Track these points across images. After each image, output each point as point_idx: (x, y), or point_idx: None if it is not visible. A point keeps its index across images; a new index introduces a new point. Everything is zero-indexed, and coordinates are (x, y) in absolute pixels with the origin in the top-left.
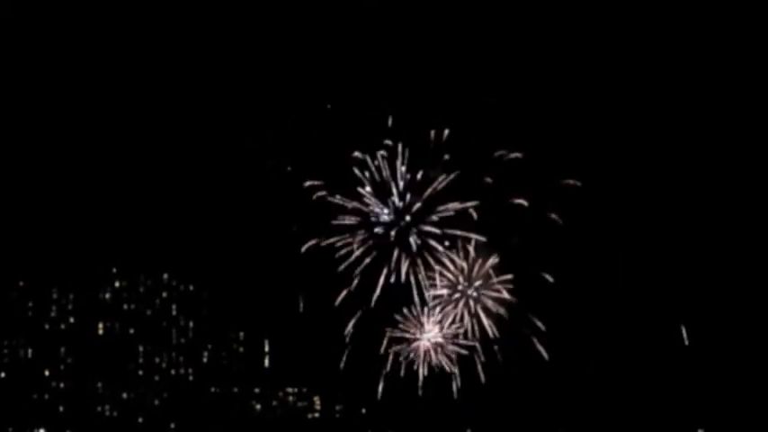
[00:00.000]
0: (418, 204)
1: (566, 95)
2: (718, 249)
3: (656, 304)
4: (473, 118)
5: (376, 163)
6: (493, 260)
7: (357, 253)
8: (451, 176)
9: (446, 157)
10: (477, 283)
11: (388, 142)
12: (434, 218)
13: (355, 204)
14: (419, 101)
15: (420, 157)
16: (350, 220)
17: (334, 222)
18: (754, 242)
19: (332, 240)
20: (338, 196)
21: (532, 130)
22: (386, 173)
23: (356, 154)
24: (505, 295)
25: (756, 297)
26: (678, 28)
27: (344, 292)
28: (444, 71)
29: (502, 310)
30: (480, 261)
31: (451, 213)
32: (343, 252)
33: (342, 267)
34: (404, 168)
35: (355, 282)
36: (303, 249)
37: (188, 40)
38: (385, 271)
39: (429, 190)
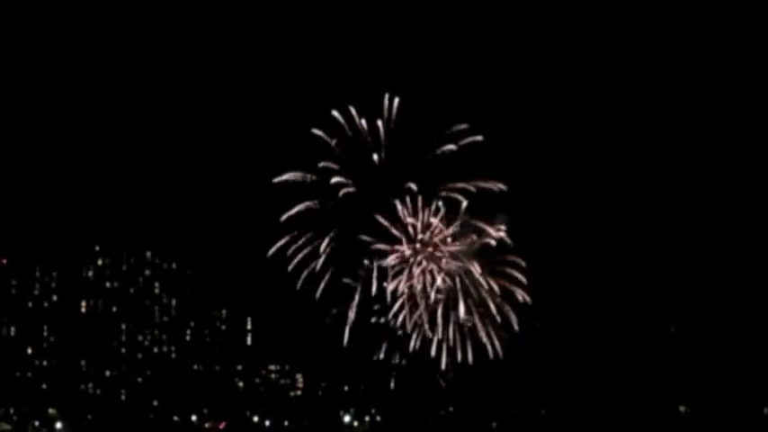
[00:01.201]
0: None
1: (562, 93)
2: (703, 245)
3: (646, 295)
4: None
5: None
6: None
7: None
8: (467, 141)
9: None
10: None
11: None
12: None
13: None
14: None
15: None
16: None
17: (286, 217)
18: (739, 239)
19: (287, 239)
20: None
21: (529, 123)
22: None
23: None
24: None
25: (738, 291)
26: (668, 23)
27: (322, 285)
28: (444, 71)
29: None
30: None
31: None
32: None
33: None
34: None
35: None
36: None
37: (188, 36)
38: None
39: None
